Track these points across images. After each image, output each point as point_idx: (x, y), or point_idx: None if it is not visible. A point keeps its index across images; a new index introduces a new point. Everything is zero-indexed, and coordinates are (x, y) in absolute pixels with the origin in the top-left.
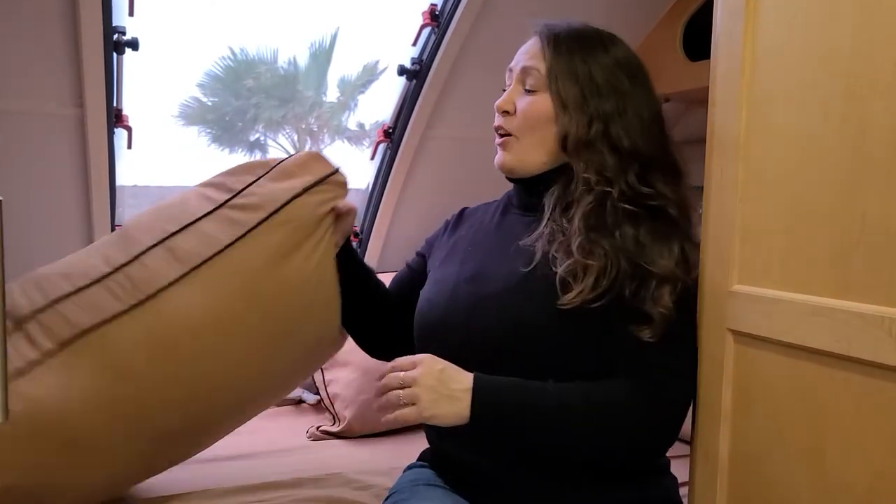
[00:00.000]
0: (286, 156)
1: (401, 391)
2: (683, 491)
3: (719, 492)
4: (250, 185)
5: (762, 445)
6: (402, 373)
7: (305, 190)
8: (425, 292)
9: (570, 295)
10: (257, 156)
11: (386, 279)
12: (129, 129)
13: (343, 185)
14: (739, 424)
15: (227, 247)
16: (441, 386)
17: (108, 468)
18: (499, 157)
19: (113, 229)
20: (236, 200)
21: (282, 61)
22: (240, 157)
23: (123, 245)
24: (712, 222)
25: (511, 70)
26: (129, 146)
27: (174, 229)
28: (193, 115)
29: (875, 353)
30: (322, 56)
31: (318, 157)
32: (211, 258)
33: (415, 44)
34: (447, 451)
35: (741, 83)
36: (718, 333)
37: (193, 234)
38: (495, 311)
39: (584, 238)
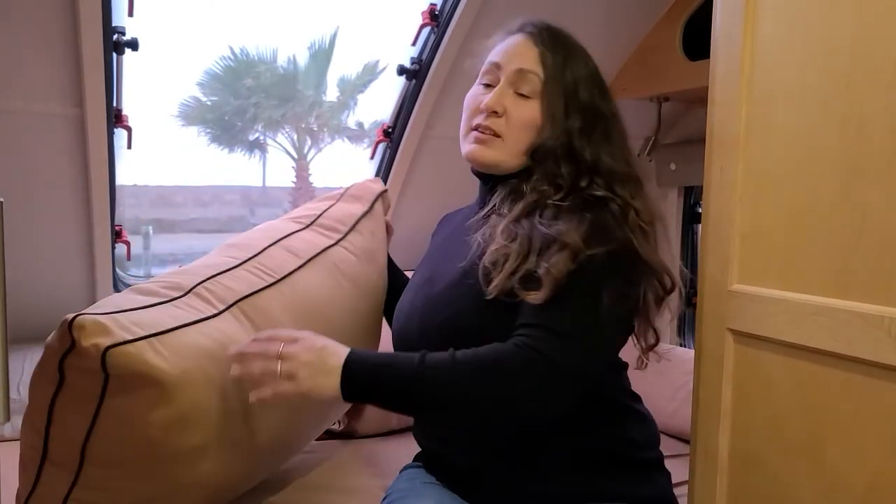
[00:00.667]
0: (350, 184)
1: (279, 366)
2: (682, 490)
3: (719, 490)
4: (328, 209)
5: (762, 444)
6: (283, 345)
7: (371, 207)
8: (399, 301)
9: (492, 285)
10: (257, 156)
11: None
12: (128, 129)
13: (388, 201)
14: (739, 423)
15: (326, 248)
16: (319, 361)
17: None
18: (475, 149)
19: (113, 229)
20: (321, 220)
21: (281, 60)
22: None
23: (241, 249)
24: (712, 222)
25: (498, 67)
26: (129, 146)
27: (280, 237)
28: (193, 114)
29: (875, 353)
30: (322, 55)
31: (373, 182)
32: (319, 254)
33: (414, 43)
34: (434, 450)
35: (741, 83)
36: (718, 333)
37: (297, 240)
38: (440, 310)
39: (509, 223)
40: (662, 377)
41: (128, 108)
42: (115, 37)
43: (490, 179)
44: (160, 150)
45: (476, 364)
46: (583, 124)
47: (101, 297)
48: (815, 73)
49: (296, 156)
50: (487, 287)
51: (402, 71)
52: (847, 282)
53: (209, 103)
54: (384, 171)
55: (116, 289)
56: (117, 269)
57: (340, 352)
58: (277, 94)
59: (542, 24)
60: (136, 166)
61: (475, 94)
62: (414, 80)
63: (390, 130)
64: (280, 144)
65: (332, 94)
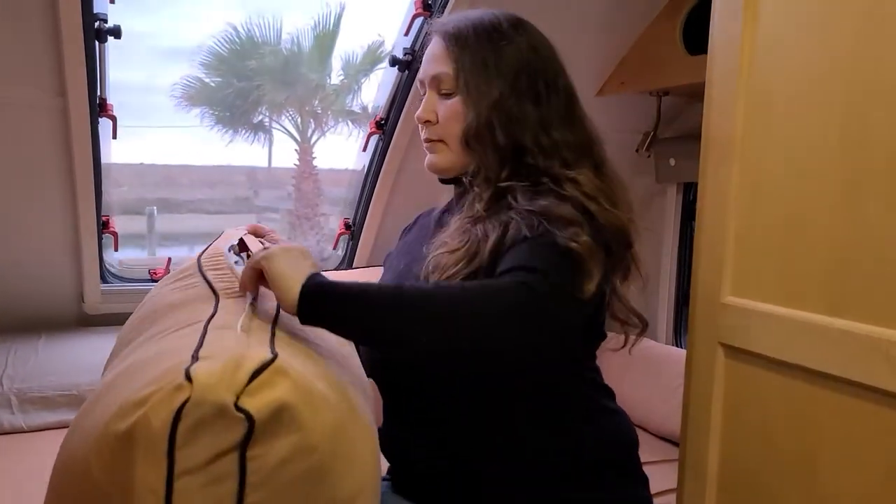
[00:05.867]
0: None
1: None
2: (670, 498)
3: (707, 502)
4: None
5: (753, 460)
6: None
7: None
8: None
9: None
10: (261, 139)
11: (378, 272)
12: (113, 119)
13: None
14: (729, 439)
15: None
16: (287, 254)
17: None
18: (427, 160)
19: (99, 220)
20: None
21: (285, 42)
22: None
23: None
24: (705, 230)
25: (422, 83)
26: (115, 136)
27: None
28: (197, 95)
29: (869, 377)
30: (326, 38)
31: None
32: None
33: (407, 33)
34: (399, 464)
35: (738, 83)
36: (709, 346)
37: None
38: None
39: (461, 226)
40: (657, 379)
41: (130, 88)
42: (96, 24)
43: (454, 182)
44: (168, 130)
45: (458, 286)
46: (501, 93)
47: (89, 289)
48: (816, 76)
49: (299, 139)
50: None
51: (394, 62)
52: (843, 299)
53: (213, 84)
54: (376, 163)
55: (104, 279)
56: (105, 260)
57: (311, 258)
58: (281, 77)
59: (448, 18)
60: (143, 145)
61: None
62: (407, 72)
63: (383, 122)
64: (284, 128)
65: (336, 76)
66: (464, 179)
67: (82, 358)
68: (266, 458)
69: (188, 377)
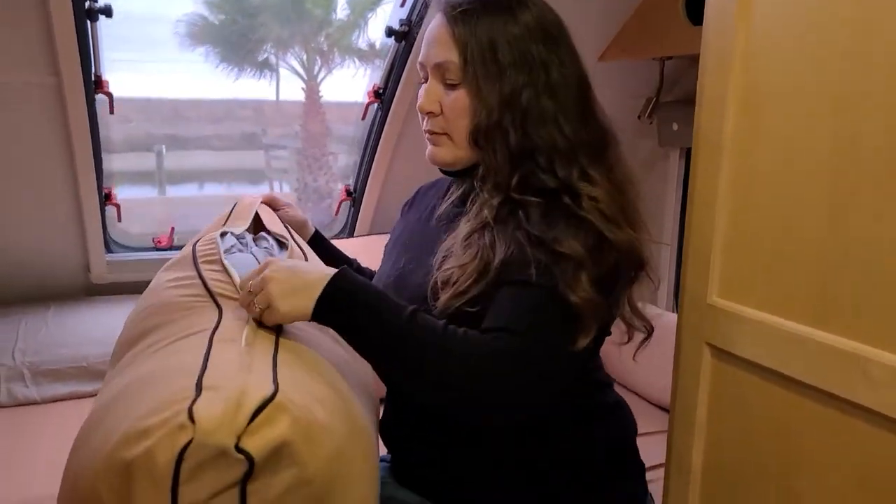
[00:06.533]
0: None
1: (256, 300)
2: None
3: (691, 500)
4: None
5: (735, 460)
6: (251, 282)
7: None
8: None
9: (438, 302)
10: (267, 77)
11: (380, 240)
12: (109, 95)
13: (276, 201)
14: (714, 438)
15: None
16: (293, 277)
17: None
18: (429, 152)
19: (101, 193)
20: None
21: None
22: (249, 78)
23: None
24: (694, 230)
25: (423, 66)
26: (112, 111)
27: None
28: (200, 34)
29: (849, 392)
30: None
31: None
32: None
33: (403, 4)
34: (399, 454)
35: (730, 80)
36: (696, 345)
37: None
38: None
39: (469, 233)
40: (658, 348)
41: (137, 22)
42: (87, 4)
43: (457, 174)
44: (174, 64)
45: (456, 345)
46: (512, 89)
47: (94, 260)
48: (809, 76)
49: (305, 77)
50: (435, 301)
51: (390, 32)
52: (828, 311)
53: (216, 23)
54: (376, 132)
55: (109, 249)
56: (109, 231)
57: (317, 267)
58: (285, 13)
59: None
60: (149, 81)
61: (419, 96)
62: (403, 42)
63: (381, 92)
64: (290, 65)
65: (341, 12)
66: (475, 184)
67: (91, 329)
68: (266, 492)
69: (191, 417)
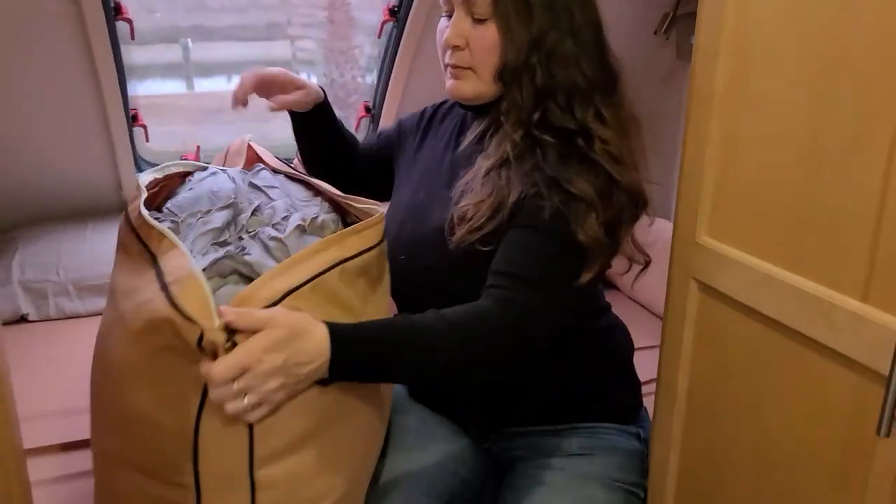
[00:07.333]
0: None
1: (243, 401)
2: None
3: (676, 417)
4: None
5: (713, 386)
6: (235, 384)
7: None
8: (386, 215)
9: (454, 237)
10: None
11: None
12: (129, 21)
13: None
14: (697, 363)
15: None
16: (291, 375)
17: None
18: (453, 84)
19: (127, 114)
20: None
21: None
22: None
23: None
24: (686, 175)
25: None
26: (132, 37)
27: None
28: None
29: (811, 331)
30: None
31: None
32: None
33: None
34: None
35: (723, 33)
36: (684, 280)
37: None
38: (429, 251)
39: (488, 170)
40: (666, 264)
41: None
42: None
43: (476, 110)
44: None
45: (464, 333)
46: (540, 30)
47: (125, 179)
48: (792, 34)
49: None
50: (451, 237)
51: None
52: (801, 256)
53: None
54: (391, 51)
55: (139, 168)
56: (137, 150)
57: (315, 332)
58: None
59: None
60: None
61: (441, 29)
62: None
63: (396, 10)
64: None
65: None
66: (501, 119)
67: None
68: None
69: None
